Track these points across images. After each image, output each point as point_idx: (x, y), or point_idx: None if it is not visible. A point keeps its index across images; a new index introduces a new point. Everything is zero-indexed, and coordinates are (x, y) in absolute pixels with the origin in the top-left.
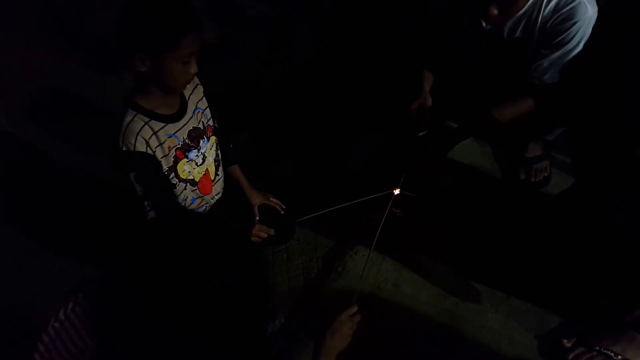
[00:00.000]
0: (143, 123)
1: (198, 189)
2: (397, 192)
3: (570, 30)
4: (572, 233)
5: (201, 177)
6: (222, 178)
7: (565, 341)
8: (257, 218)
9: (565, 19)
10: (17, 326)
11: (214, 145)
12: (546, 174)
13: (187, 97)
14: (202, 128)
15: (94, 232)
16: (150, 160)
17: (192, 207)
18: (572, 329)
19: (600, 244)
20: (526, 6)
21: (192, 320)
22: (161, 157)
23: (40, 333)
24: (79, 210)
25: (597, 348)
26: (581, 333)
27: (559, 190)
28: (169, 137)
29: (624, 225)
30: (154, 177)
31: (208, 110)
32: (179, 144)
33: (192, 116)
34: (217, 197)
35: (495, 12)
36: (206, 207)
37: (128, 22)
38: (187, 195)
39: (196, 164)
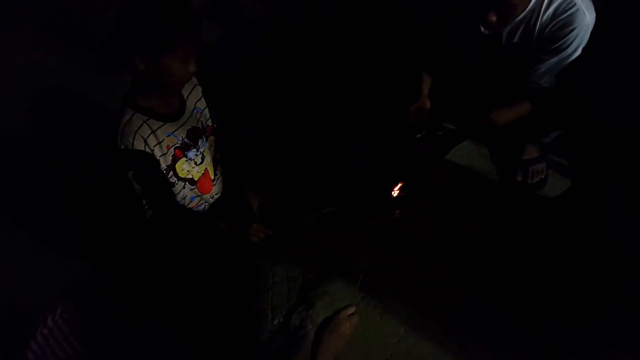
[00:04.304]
0: (141, 122)
1: (197, 188)
2: (395, 193)
3: (569, 36)
4: (570, 234)
5: (200, 177)
6: (221, 178)
7: None
8: (256, 218)
9: (563, 25)
10: (10, 329)
11: (213, 145)
12: (543, 176)
13: (185, 97)
14: (200, 128)
15: (92, 232)
16: (148, 159)
17: (190, 206)
18: (568, 330)
19: (597, 245)
20: (525, 12)
21: (183, 320)
22: (160, 156)
23: (29, 341)
24: (78, 209)
25: None
26: (578, 334)
27: (555, 192)
28: (167, 136)
29: (622, 227)
30: (152, 175)
31: (207, 110)
32: (177, 143)
33: (190, 115)
34: (216, 197)
35: (494, 18)
36: (205, 206)
37: (127, 20)
38: (185, 194)
39: (195, 163)
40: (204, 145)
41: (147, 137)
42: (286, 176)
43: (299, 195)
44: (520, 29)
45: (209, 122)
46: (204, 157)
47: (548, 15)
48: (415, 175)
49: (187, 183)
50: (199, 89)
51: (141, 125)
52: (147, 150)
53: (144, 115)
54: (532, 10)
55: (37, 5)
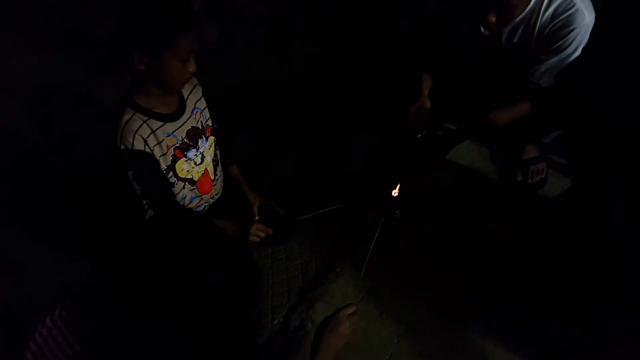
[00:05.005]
0: (141, 122)
1: (197, 188)
2: (395, 193)
3: (568, 36)
4: (569, 234)
5: (200, 177)
6: (221, 178)
7: None
8: (257, 218)
9: (563, 26)
10: (9, 329)
11: (213, 145)
12: (543, 176)
13: (185, 97)
14: (200, 128)
15: (92, 232)
16: (148, 159)
17: (190, 206)
18: (568, 330)
19: (597, 245)
20: (524, 12)
21: (183, 320)
22: (159, 156)
23: (27, 341)
24: (77, 210)
25: None
26: (578, 334)
27: (555, 191)
28: (167, 136)
29: (621, 227)
30: (152, 175)
31: (207, 110)
32: (177, 143)
33: (190, 115)
34: (216, 197)
35: (494, 19)
36: (205, 206)
37: (126, 20)
38: (185, 194)
39: (195, 163)
40: (203, 146)
41: (147, 137)
42: (286, 176)
43: (299, 195)
44: (520, 29)
45: (209, 122)
46: (204, 157)
47: (548, 15)
48: (416, 175)
49: (186, 183)
50: (199, 89)
51: (141, 125)
52: (147, 150)
53: (143, 115)
54: (532, 10)
55: (37, 5)
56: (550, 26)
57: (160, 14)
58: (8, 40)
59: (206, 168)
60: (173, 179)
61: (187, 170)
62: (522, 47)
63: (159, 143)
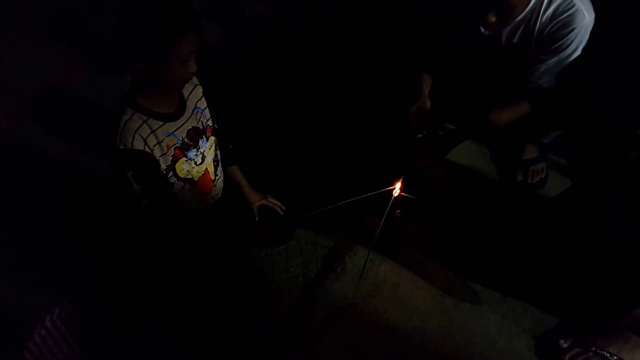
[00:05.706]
0: (141, 121)
1: (197, 188)
2: (396, 193)
3: (568, 36)
4: (569, 234)
5: (200, 177)
6: (222, 178)
7: (562, 341)
8: (257, 218)
9: (563, 26)
10: (8, 329)
11: (213, 145)
12: (543, 176)
13: (185, 97)
14: (201, 128)
15: (92, 232)
16: (148, 159)
17: (190, 206)
18: (568, 330)
19: (596, 244)
20: (524, 13)
21: (183, 320)
22: (159, 156)
23: (26, 341)
24: (77, 210)
25: (594, 349)
26: (578, 334)
27: (555, 191)
28: (167, 136)
29: (621, 227)
30: (152, 175)
31: (207, 110)
32: (177, 143)
33: (191, 115)
34: (216, 197)
35: (494, 19)
36: (205, 206)
37: (127, 20)
38: (185, 195)
39: (195, 163)
40: (204, 146)
41: (147, 137)
42: (286, 176)
43: (299, 195)
44: (520, 30)
45: (210, 122)
46: (204, 157)
47: (547, 15)
48: (416, 175)
49: (186, 183)
50: (199, 88)
51: (141, 125)
52: (147, 150)
53: (143, 115)
54: (532, 10)
55: (37, 5)
56: (550, 26)
57: (161, 14)
58: (8, 40)
59: (207, 168)
60: (173, 179)
61: (187, 170)
62: (522, 47)
63: (158, 143)
